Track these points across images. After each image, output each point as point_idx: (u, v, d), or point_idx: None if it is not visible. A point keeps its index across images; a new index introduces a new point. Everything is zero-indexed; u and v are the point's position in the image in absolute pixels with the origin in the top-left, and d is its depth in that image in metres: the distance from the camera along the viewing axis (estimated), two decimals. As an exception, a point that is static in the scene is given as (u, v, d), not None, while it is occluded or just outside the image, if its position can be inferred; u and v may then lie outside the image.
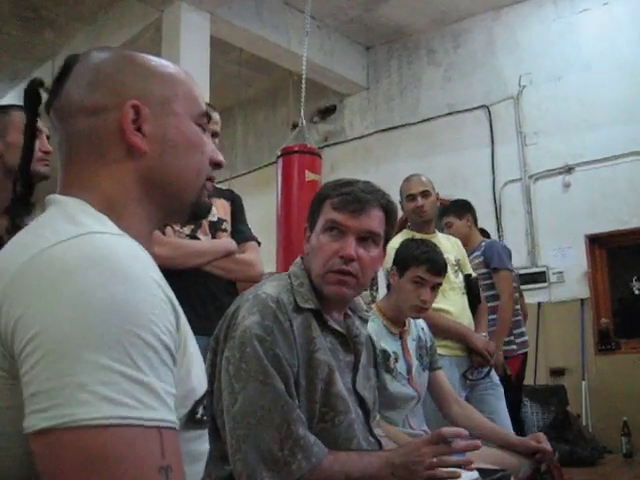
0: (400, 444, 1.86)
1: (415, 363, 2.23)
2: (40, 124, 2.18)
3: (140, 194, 0.88)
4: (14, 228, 0.95)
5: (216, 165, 0.99)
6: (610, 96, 6.31)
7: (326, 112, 8.44)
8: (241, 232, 2.49)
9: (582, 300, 6.30)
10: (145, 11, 6.44)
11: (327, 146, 8.14)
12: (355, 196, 1.56)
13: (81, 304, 0.67)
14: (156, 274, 0.75)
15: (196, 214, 0.97)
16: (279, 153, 5.27)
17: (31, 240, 0.75)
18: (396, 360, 2.14)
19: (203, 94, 0.99)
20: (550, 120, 6.69)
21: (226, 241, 2.39)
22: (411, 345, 2.27)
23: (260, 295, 1.50)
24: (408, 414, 2.17)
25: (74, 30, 7.32)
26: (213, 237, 2.38)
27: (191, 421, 0.81)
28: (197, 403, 0.83)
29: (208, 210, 1.00)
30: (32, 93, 0.95)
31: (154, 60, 0.95)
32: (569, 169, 6.50)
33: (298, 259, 1.69)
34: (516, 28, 7.05)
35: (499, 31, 7.19)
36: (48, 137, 2.17)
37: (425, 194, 3.27)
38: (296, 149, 5.21)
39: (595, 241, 6.39)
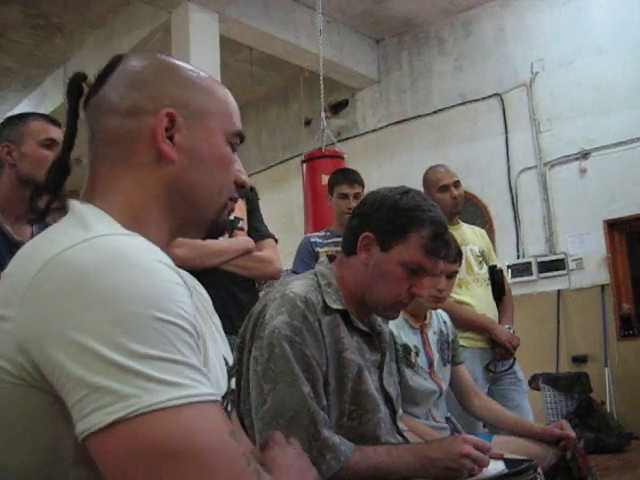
0: (424, 437, 1.86)
1: (436, 357, 2.22)
2: (57, 134, 2.20)
3: (163, 203, 0.89)
4: (37, 212, 0.95)
5: (240, 186, 0.98)
6: (624, 79, 6.25)
7: (338, 107, 8.44)
8: (258, 230, 2.50)
9: (602, 286, 6.25)
10: (153, 13, 6.46)
11: (340, 141, 8.14)
12: (447, 243, 1.57)
13: (114, 302, 0.67)
14: (172, 264, 0.76)
15: (213, 231, 0.97)
16: (302, 159, 5.52)
17: (43, 246, 0.75)
18: (417, 354, 2.14)
19: (238, 114, 0.99)
20: (564, 106, 6.63)
21: (243, 239, 2.40)
22: (432, 339, 2.26)
23: (288, 295, 1.50)
24: (431, 407, 2.17)
25: (84, 35, 7.36)
26: (230, 236, 2.39)
27: None
28: None
29: (225, 229, 1.00)
30: (75, 85, 0.95)
31: (195, 72, 0.95)
32: (585, 154, 6.45)
33: (324, 258, 1.69)
34: (526, 14, 6.99)
35: (509, 18, 7.13)
36: None
37: (457, 184, 3.22)
38: (316, 155, 5.47)
39: (614, 226, 6.33)
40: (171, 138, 0.88)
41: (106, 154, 0.89)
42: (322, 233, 3.48)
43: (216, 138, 0.92)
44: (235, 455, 0.69)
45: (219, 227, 0.97)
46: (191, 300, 0.75)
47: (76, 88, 0.95)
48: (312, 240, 3.38)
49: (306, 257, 3.30)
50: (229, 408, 0.95)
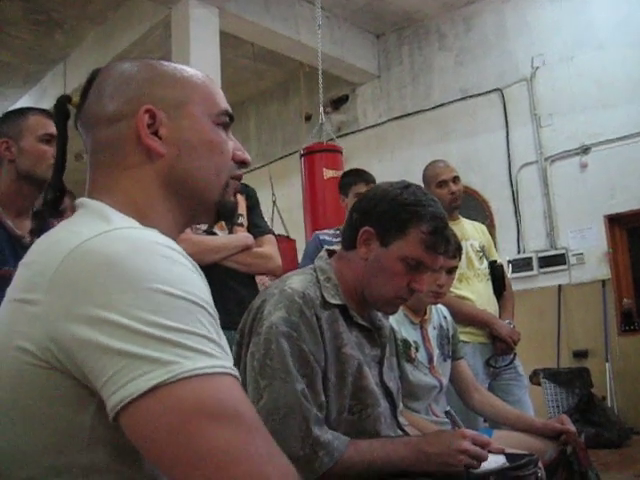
0: (424, 432, 1.86)
1: (436, 352, 2.22)
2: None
3: (163, 195, 0.92)
4: (41, 230, 0.99)
5: (241, 163, 1.00)
6: (624, 74, 6.24)
7: (339, 102, 8.43)
8: (257, 226, 2.50)
9: (603, 281, 6.26)
10: (154, 9, 6.45)
11: (341, 136, 8.14)
12: (447, 239, 1.57)
13: (142, 282, 0.70)
14: (188, 256, 0.80)
15: (221, 213, 0.98)
16: (301, 152, 5.52)
17: (67, 236, 0.78)
18: (417, 349, 2.14)
19: (222, 94, 1.00)
20: (564, 101, 6.62)
21: (243, 235, 2.40)
22: (432, 334, 2.26)
23: (286, 290, 1.50)
24: (431, 402, 2.17)
25: (84, 31, 7.35)
26: (230, 232, 2.39)
27: None
28: None
29: (233, 209, 1.00)
30: (61, 109, 0.99)
31: (169, 66, 0.97)
32: (585, 149, 6.44)
33: (323, 253, 1.69)
34: (526, 9, 6.98)
35: (510, 13, 7.12)
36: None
37: (456, 179, 3.21)
38: (315, 149, 5.47)
39: (615, 221, 6.33)
40: (156, 133, 0.91)
41: (101, 162, 0.93)
42: (332, 231, 3.46)
43: (201, 123, 0.94)
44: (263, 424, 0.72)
45: (226, 208, 0.98)
46: (208, 290, 0.79)
47: (62, 112, 0.99)
48: (321, 238, 3.36)
49: (315, 254, 3.29)
50: None
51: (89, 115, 0.94)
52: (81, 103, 0.96)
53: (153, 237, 0.77)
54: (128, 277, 0.70)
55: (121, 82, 0.93)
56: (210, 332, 0.72)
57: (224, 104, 0.99)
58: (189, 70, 0.98)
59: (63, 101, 0.99)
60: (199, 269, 0.80)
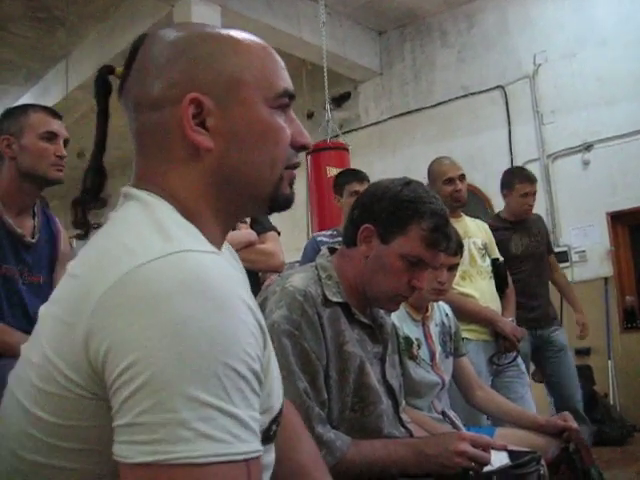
0: (427, 428, 1.86)
1: (438, 349, 2.22)
2: (58, 127, 2.19)
3: (212, 197, 0.83)
4: (83, 222, 0.90)
5: (300, 148, 0.90)
6: (627, 71, 6.22)
7: (340, 99, 8.41)
8: (260, 223, 2.50)
9: (606, 279, 6.24)
10: (156, 6, 6.44)
11: (342, 134, 8.13)
12: (448, 236, 1.55)
13: (180, 334, 0.64)
14: (246, 295, 0.73)
15: (274, 207, 0.89)
16: (307, 151, 5.57)
17: (118, 253, 0.71)
18: (419, 347, 2.14)
19: (283, 68, 0.90)
20: (567, 98, 6.61)
21: (246, 232, 2.40)
22: (434, 331, 2.26)
23: (287, 288, 1.50)
24: (434, 399, 2.17)
25: (86, 28, 7.34)
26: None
27: (264, 437, 0.78)
28: (273, 421, 0.83)
29: (289, 201, 0.90)
30: (101, 81, 0.89)
31: (224, 39, 0.85)
32: (588, 147, 6.42)
33: (325, 251, 1.69)
34: (529, 5, 6.96)
35: (512, 9, 7.10)
36: (67, 141, 2.17)
37: (462, 177, 3.21)
38: (320, 147, 5.51)
39: (617, 218, 6.31)
40: (203, 124, 0.81)
41: (146, 150, 0.84)
42: (329, 232, 3.49)
43: (255, 109, 0.83)
44: None
45: (280, 202, 0.88)
46: (260, 338, 0.72)
47: (103, 85, 0.89)
48: (319, 239, 3.39)
49: (313, 257, 3.30)
50: (275, 430, 0.88)
51: (132, 94, 0.84)
52: (124, 75, 0.85)
53: (214, 272, 0.69)
54: (165, 324, 0.64)
55: (167, 59, 0.82)
56: (234, 404, 0.64)
57: (283, 82, 0.87)
58: (245, 43, 0.86)
59: (105, 72, 0.88)
60: (259, 313, 0.73)
